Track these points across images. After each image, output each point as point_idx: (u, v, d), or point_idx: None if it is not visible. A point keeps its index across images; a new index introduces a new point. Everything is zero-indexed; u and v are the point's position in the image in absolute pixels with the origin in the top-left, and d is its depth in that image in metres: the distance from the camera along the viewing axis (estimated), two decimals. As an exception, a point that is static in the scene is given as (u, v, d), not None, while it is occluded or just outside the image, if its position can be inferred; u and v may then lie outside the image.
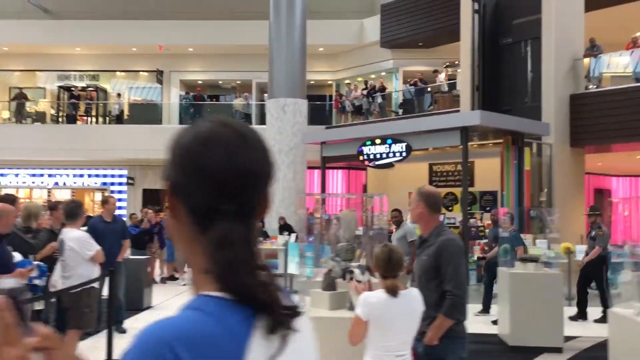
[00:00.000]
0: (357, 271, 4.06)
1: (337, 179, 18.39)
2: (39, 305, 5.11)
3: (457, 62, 17.42)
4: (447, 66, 18.38)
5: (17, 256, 4.56)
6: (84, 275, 5.36)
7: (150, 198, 19.50)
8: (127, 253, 7.61)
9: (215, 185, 0.86)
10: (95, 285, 5.58)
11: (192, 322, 0.79)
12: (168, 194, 0.90)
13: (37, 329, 0.89)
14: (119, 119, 20.31)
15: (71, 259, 5.30)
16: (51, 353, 0.89)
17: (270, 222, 15.06)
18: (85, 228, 6.26)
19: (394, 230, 8.62)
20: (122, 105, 20.71)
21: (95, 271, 5.52)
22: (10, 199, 5.16)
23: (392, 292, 2.97)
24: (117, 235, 6.67)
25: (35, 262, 4.70)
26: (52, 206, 6.00)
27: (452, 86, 17.02)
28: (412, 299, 3.04)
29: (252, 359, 0.80)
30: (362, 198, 14.32)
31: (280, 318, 0.82)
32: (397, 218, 8.55)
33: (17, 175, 19.85)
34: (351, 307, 4.26)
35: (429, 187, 3.55)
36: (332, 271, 4.49)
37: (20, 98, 20.46)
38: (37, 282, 4.74)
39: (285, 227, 13.24)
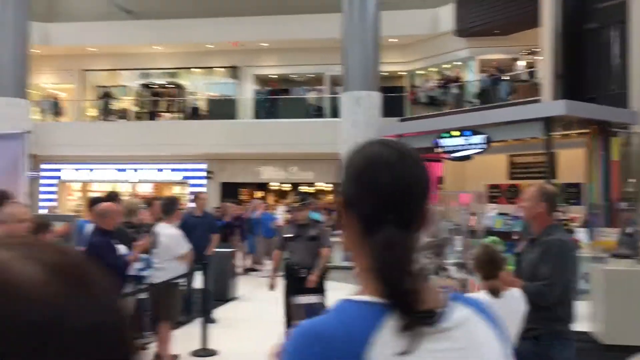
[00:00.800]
0: (452, 269, 4.05)
1: (411, 171, 18.23)
2: (143, 295, 5.40)
3: (536, 50, 16.85)
4: (526, 54, 17.81)
5: (123, 249, 4.84)
6: (172, 270, 5.62)
7: (228, 191, 20.05)
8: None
9: (380, 198, 1.01)
10: (181, 280, 5.83)
11: (322, 323, 0.95)
12: (341, 205, 1.06)
13: None
14: (194, 114, 20.97)
15: (163, 254, 5.55)
16: None
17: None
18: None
19: None
20: (195, 102, 21.38)
21: (182, 268, 5.77)
22: (113, 197, 5.47)
23: (494, 293, 2.96)
24: (207, 229, 6.93)
25: (145, 255, 4.97)
26: (149, 202, 6.30)
27: (532, 74, 16.48)
28: (514, 299, 3.02)
29: (376, 356, 0.89)
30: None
31: (415, 317, 0.92)
32: None
33: (104, 170, 20.90)
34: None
35: (550, 187, 3.53)
36: (424, 268, 4.51)
37: (106, 96, 21.49)
38: (144, 273, 5.02)
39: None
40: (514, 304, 3.00)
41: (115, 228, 4.72)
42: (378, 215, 0.99)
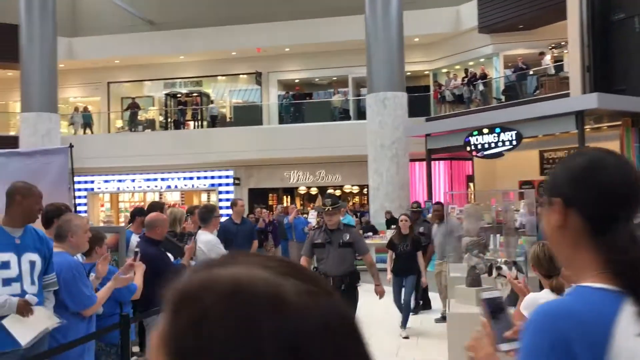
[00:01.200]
0: (504, 267, 4.00)
1: (439, 170, 18.12)
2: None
3: (562, 43, 16.62)
4: (552, 47, 17.58)
5: (171, 258, 4.89)
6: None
7: (256, 197, 20.15)
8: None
9: (612, 197, 1.10)
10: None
11: (570, 304, 1.06)
12: (559, 206, 1.13)
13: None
14: (214, 122, 21.11)
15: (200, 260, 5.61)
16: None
17: (376, 217, 15.13)
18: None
19: (435, 225, 8.18)
20: (217, 109, 21.53)
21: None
22: (160, 206, 5.52)
23: (558, 290, 2.93)
24: (247, 235, 6.95)
25: (193, 262, 5.00)
26: (191, 210, 6.35)
27: (559, 68, 16.26)
28: None
29: (621, 335, 0.99)
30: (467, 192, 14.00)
31: None
32: (439, 212, 8.11)
33: (133, 180, 21.15)
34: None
35: None
36: (477, 267, 4.46)
37: (133, 108, 21.76)
38: None
39: (392, 221, 13.23)
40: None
41: (163, 238, 4.77)
42: (609, 213, 1.09)
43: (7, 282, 3.30)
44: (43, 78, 16.54)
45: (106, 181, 21.19)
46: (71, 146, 5.36)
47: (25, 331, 3.22)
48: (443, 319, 7.51)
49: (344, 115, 20.27)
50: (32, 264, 3.35)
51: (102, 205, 22.15)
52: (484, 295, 1.38)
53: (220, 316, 0.53)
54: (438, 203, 8.47)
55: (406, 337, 6.94)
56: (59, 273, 3.49)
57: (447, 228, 7.68)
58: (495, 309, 1.36)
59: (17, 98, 19.43)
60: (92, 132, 21.57)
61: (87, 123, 21.58)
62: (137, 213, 5.86)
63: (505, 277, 4.01)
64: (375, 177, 15.71)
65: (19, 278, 3.32)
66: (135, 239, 5.47)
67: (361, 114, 19.31)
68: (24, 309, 3.18)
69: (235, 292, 0.54)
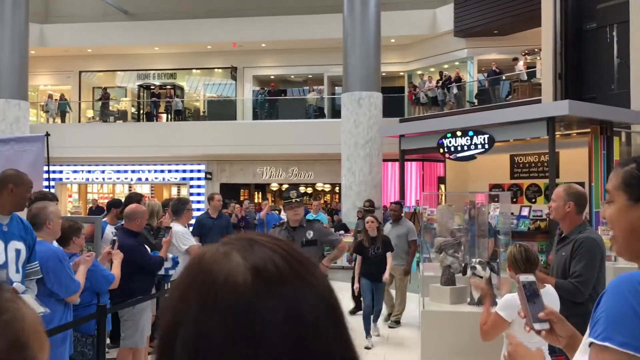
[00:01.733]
0: (479, 267, 4.09)
1: (412, 171, 18.31)
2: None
3: (535, 50, 16.95)
4: (525, 54, 17.92)
5: (148, 250, 4.88)
6: (182, 266, 5.68)
7: (228, 192, 20.03)
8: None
9: None
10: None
11: None
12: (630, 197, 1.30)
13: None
14: (179, 116, 20.91)
15: (172, 252, 5.58)
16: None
17: (348, 215, 15.21)
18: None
19: (389, 225, 7.82)
20: (181, 103, 21.30)
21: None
22: (139, 198, 5.47)
23: None
24: (222, 230, 6.94)
25: (170, 255, 4.99)
26: (166, 204, 6.31)
27: (532, 74, 16.59)
28: (549, 296, 3.06)
29: None
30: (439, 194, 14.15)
31: None
32: (397, 212, 7.76)
33: (102, 171, 20.82)
34: (471, 302, 4.29)
35: (577, 187, 3.59)
36: (452, 266, 4.55)
37: (105, 98, 21.42)
38: (171, 272, 5.06)
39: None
40: (549, 301, 3.05)
41: (141, 230, 4.74)
42: None
43: None
44: (13, 64, 16.14)
45: (75, 172, 20.81)
46: (47, 135, 5.27)
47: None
48: (397, 322, 7.40)
49: (319, 113, 20.31)
50: (18, 252, 3.33)
51: (70, 196, 21.75)
52: (521, 279, 1.49)
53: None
54: (397, 203, 8.20)
55: (369, 348, 6.35)
56: (45, 261, 3.46)
57: (405, 230, 7.54)
58: (531, 293, 1.50)
59: (-15, 83, 18.97)
60: (66, 122, 21.17)
61: (63, 111, 21.15)
62: (114, 204, 5.80)
63: (480, 277, 4.09)
64: (349, 176, 15.79)
65: (5, 265, 3.31)
66: (110, 229, 5.41)
67: (335, 113, 19.38)
68: None
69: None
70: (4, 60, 16.06)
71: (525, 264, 3.11)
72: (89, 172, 20.88)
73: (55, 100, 21.22)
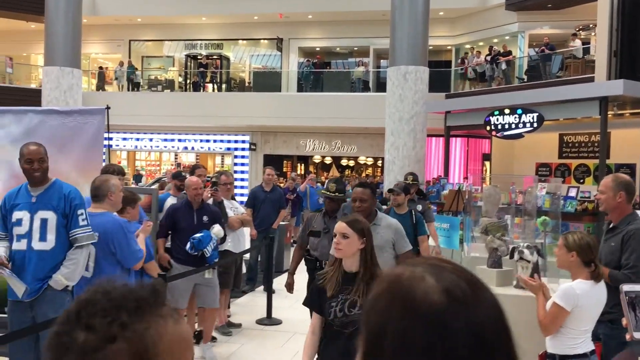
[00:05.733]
0: (526, 251, 4.11)
1: (456, 147, 18.13)
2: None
3: (590, 25, 16.41)
4: (579, 29, 17.35)
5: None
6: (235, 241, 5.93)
7: (270, 163, 20.26)
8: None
9: None
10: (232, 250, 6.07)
11: None
12: None
13: None
14: (238, 86, 21.06)
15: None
16: None
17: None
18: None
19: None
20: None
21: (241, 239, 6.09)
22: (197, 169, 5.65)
23: (597, 278, 3.02)
24: (275, 204, 7.11)
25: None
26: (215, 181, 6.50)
27: (585, 51, 16.08)
28: (602, 284, 3.09)
29: None
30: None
31: None
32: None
33: (150, 140, 21.32)
34: (517, 285, 4.33)
35: (625, 176, 3.57)
36: (498, 249, 4.58)
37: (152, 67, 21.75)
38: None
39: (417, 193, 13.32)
40: (603, 289, 3.08)
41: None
42: None
43: (18, 237, 3.54)
44: (67, 33, 16.54)
45: (125, 139, 21.38)
46: (108, 108, 5.47)
47: (19, 286, 3.44)
48: None
49: (364, 86, 20.22)
50: (44, 221, 3.51)
51: (119, 163, 22.39)
52: (625, 289, 1.55)
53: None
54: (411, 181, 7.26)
55: None
56: (110, 232, 3.65)
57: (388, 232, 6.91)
58: (634, 301, 1.56)
59: (39, 50, 19.53)
60: (131, 89, 21.57)
61: (130, 78, 21.63)
62: (176, 176, 5.94)
63: (528, 261, 4.11)
64: (392, 151, 15.74)
65: (27, 235, 3.52)
66: (171, 200, 5.61)
67: (380, 86, 19.25)
68: None
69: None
70: (59, 29, 16.47)
71: (588, 250, 3.08)
72: (138, 139, 21.42)
73: (127, 66, 21.70)
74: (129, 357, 0.79)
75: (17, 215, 3.54)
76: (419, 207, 6.84)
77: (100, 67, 22.28)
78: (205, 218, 5.00)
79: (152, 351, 0.80)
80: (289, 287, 4.92)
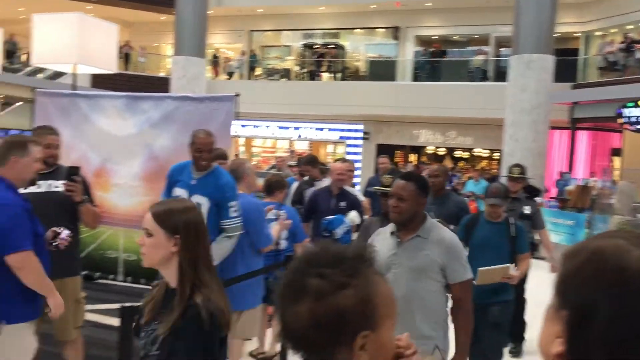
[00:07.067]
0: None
1: (581, 141, 17.08)
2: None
3: None
4: None
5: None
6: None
7: (383, 153, 20.21)
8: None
9: None
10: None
11: None
12: None
13: None
14: (353, 75, 21.15)
15: None
16: None
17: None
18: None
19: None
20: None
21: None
22: (313, 159, 5.82)
23: None
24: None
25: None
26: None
27: None
28: None
29: None
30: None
31: None
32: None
33: (267, 127, 22.04)
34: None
35: None
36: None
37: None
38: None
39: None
40: None
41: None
42: None
43: None
44: (195, 23, 17.44)
45: (243, 126, 22.25)
46: (237, 95, 5.72)
47: None
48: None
49: (483, 75, 19.57)
50: (198, 206, 3.72)
51: (237, 149, 23.34)
52: None
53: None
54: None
55: None
56: (247, 213, 3.86)
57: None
58: None
59: (169, 41, 20.75)
60: (228, 78, 22.58)
61: (252, 67, 22.62)
62: (310, 162, 6.07)
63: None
64: (511, 143, 15.14)
65: None
66: (296, 185, 5.82)
67: (499, 76, 18.53)
68: None
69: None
70: (187, 19, 17.41)
71: None
72: (255, 127, 22.21)
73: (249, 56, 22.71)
74: (357, 301, 0.96)
75: (177, 191, 3.84)
76: (527, 209, 5.44)
77: (215, 57, 23.29)
78: (342, 204, 5.11)
79: (373, 299, 0.99)
80: None
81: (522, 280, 5.21)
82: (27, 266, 2.72)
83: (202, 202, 3.75)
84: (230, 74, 23.00)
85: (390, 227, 2.91)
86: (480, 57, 19.86)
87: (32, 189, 3.46)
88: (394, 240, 2.85)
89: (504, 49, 19.73)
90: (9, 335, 2.75)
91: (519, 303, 5.37)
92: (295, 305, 0.98)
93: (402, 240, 2.84)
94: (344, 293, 0.96)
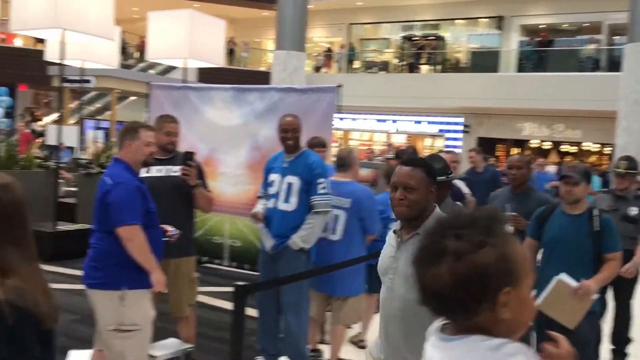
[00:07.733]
0: None
1: None
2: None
3: None
4: None
5: None
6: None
7: (484, 146, 19.65)
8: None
9: None
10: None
11: None
12: None
13: None
14: (454, 67, 20.70)
15: None
16: None
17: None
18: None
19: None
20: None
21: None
22: (412, 152, 5.78)
23: None
24: (488, 185, 6.94)
25: None
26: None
27: None
28: None
29: None
30: None
31: None
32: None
33: (365, 120, 22.08)
34: None
35: None
36: None
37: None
38: None
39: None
40: None
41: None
42: None
43: (270, 196, 4.02)
44: (295, 18, 17.75)
45: (341, 119, 22.41)
46: (339, 86, 5.79)
47: (268, 239, 4.02)
48: None
49: (594, 65, 18.49)
50: (290, 185, 3.92)
51: (335, 141, 23.57)
52: None
53: None
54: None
55: None
56: (360, 200, 4.04)
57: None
58: None
59: (270, 36, 21.26)
60: (328, 72, 22.78)
61: (351, 60, 22.90)
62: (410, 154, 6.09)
63: None
64: (624, 136, 14.21)
65: (275, 195, 3.98)
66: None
67: (613, 65, 17.43)
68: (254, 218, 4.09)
69: None
70: (288, 14, 17.75)
71: None
72: (353, 120, 22.30)
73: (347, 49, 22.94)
74: (497, 258, 1.01)
75: (271, 177, 4.03)
76: (633, 210, 4.70)
77: (329, 50, 23.57)
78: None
79: (512, 256, 1.03)
80: None
81: (625, 289, 4.65)
82: (134, 239, 3.00)
83: (294, 182, 3.91)
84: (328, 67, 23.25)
85: (397, 224, 2.39)
86: (593, 46, 18.77)
87: (153, 173, 3.76)
88: (395, 240, 2.35)
89: (617, 37, 18.53)
90: (130, 300, 3.03)
91: (623, 318, 4.77)
92: (435, 267, 1.02)
93: (403, 239, 2.32)
94: (483, 251, 1.01)
